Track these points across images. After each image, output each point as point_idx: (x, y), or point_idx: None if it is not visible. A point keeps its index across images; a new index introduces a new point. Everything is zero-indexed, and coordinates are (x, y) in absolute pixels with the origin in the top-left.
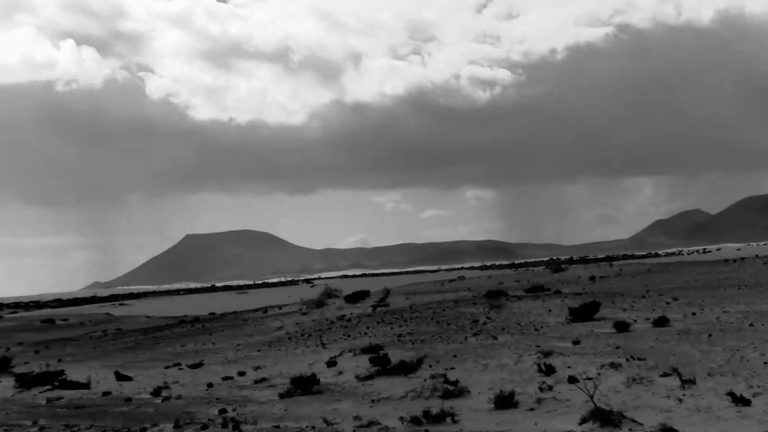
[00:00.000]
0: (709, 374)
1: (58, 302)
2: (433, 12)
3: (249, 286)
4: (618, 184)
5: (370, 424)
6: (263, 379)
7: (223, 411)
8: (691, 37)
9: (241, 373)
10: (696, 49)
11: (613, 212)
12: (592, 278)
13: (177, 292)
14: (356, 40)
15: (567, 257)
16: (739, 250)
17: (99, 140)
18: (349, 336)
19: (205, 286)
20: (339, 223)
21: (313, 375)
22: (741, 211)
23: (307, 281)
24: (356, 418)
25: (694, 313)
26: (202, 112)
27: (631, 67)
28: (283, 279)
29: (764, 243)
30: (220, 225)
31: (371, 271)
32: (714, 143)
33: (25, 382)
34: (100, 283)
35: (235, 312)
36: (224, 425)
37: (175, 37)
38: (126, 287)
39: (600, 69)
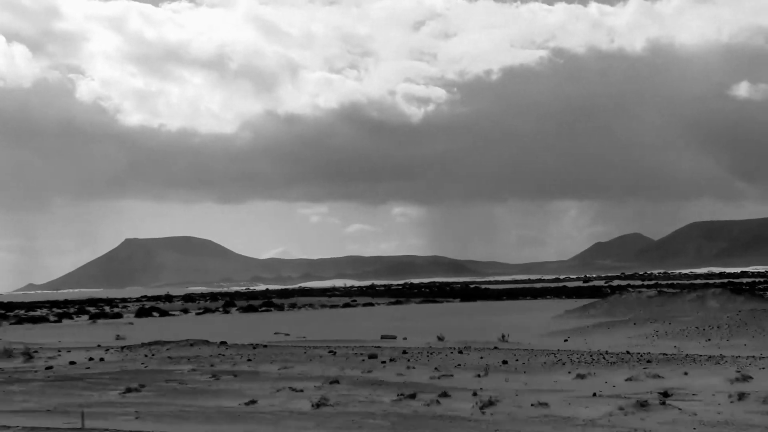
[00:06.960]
0: None
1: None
2: (370, 27)
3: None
4: (546, 205)
5: None
6: None
7: None
8: (623, 64)
9: None
10: (627, 76)
11: (540, 234)
12: None
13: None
14: (293, 52)
15: (527, 277)
16: None
17: (25, 141)
18: None
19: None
20: (266, 233)
21: None
22: (686, 237)
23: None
24: None
25: None
26: (132, 116)
27: (563, 91)
28: (238, 288)
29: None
30: (153, 231)
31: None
32: (640, 170)
33: None
34: (36, 285)
35: None
36: None
37: (109, 39)
38: (70, 290)
39: (533, 91)
